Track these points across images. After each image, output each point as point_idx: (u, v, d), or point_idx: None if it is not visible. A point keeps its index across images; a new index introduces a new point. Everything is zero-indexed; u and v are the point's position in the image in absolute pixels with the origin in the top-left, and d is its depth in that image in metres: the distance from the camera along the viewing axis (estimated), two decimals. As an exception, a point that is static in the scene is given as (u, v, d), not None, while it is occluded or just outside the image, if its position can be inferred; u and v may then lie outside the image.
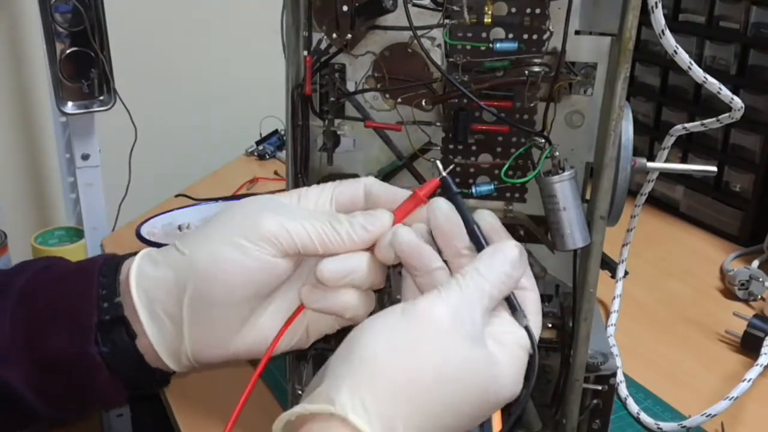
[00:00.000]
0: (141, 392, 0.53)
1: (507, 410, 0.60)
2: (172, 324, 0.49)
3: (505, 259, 0.47)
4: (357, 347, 0.42)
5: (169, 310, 0.49)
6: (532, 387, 0.45)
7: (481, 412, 0.43)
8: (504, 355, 0.44)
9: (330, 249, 0.49)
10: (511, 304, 0.48)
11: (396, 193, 0.52)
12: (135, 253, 0.52)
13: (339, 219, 0.50)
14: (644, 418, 0.74)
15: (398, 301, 0.64)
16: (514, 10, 0.56)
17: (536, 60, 0.56)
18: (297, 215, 0.50)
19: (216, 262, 0.48)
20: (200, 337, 0.49)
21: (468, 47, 0.57)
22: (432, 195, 0.51)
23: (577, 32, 0.56)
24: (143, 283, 0.49)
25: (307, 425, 0.39)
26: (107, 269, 0.51)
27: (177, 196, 1.19)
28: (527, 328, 0.46)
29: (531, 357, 0.46)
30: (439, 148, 0.60)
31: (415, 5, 0.56)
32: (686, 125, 0.74)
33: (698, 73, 0.59)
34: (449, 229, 0.49)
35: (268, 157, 1.40)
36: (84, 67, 0.88)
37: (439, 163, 0.52)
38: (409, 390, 0.40)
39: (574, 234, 0.55)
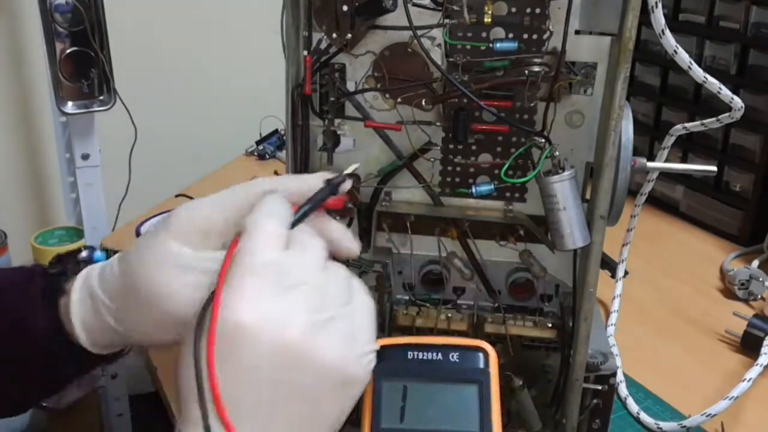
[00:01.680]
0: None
1: (508, 409, 0.60)
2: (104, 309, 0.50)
3: None
4: None
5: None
6: None
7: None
8: None
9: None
10: None
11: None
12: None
13: None
14: (644, 417, 0.74)
15: (399, 301, 0.64)
16: (514, 9, 0.56)
17: (536, 60, 0.56)
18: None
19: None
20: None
21: (468, 47, 0.57)
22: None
23: (577, 32, 0.56)
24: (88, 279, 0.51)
25: None
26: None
27: (177, 196, 1.19)
28: None
29: None
30: (439, 147, 0.60)
31: (415, 5, 0.56)
32: (686, 125, 0.74)
33: (698, 72, 0.59)
34: None
35: (268, 156, 1.40)
36: (84, 66, 0.88)
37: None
38: None
39: (574, 234, 0.55)
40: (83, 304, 0.51)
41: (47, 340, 0.51)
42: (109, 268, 0.51)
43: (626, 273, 0.91)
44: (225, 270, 0.42)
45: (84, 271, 0.52)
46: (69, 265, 0.53)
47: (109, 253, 0.56)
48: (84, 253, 0.56)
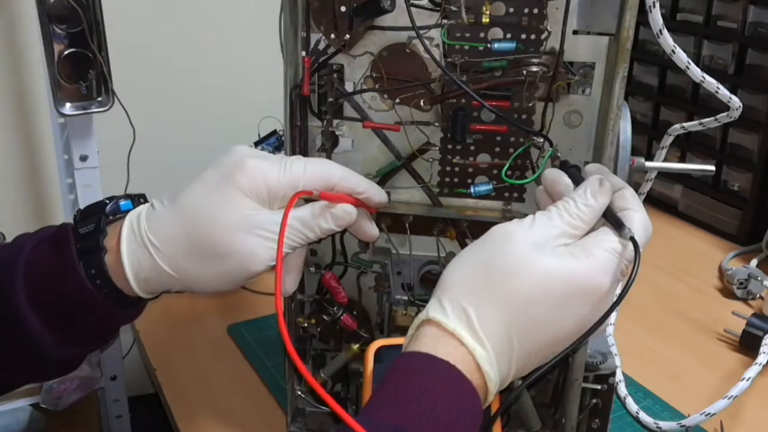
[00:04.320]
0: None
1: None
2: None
3: (585, 191, 0.49)
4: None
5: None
6: (632, 282, 0.47)
7: (563, 303, 0.45)
8: (580, 255, 0.46)
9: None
10: (610, 221, 0.48)
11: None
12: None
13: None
14: (643, 417, 0.74)
15: (398, 301, 0.64)
16: (512, 10, 0.56)
17: (534, 60, 0.56)
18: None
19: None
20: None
21: (466, 47, 0.57)
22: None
23: (575, 32, 0.56)
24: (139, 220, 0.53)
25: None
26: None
27: (176, 196, 1.19)
28: (633, 239, 0.47)
29: (635, 253, 0.47)
30: (437, 148, 0.60)
31: (413, 5, 0.56)
32: (684, 124, 0.74)
33: (696, 72, 0.59)
34: (553, 179, 0.52)
35: (266, 157, 1.39)
36: (82, 68, 0.88)
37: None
38: (473, 284, 0.46)
39: (572, 233, 0.55)
40: (135, 256, 0.52)
41: (91, 298, 0.52)
42: (159, 216, 0.52)
43: (625, 272, 0.91)
44: (283, 235, 0.50)
45: (126, 225, 0.52)
46: (100, 220, 0.53)
47: (134, 199, 0.56)
48: (109, 206, 0.55)
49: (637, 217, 0.48)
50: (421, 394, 0.43)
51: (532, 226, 0.47)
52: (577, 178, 0.51)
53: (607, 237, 0.47)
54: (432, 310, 0.47)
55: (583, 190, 0.49)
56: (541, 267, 0.45)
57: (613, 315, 0.89)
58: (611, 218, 0.48)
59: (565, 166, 0.53)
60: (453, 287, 0.47)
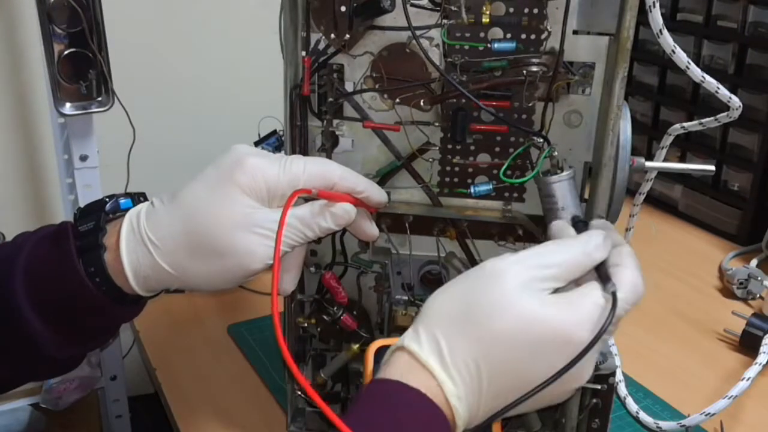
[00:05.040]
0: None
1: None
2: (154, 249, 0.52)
3: (588, 242, 0.48)
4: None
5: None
6: (602, 333, 0.45)
7: (538, 350, 0.45)
8: (563, 305, 0.46)
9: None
10: (600, 276, 0.48)
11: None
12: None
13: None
14: (643, 417, 0.74)
15: (398, 301, 0.64)
16: (512, 10, 0.56)
17: (534, 60, 0.56)
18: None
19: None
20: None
21: (466, 47, 0.57)
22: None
23: (575, 32, 0.56)
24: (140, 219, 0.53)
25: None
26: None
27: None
28: (614, 294, 0.46)
29: (612, 308, 0.46)
30: (437, 148, 0.60)
31: (413, 5, 0.56)
32: (684, 124, 0.74)
33: (696, 72, 0.59)
34: (558, 230, 0.52)
35: (266, 157, 1.39)
36: (82, 68, 0.88)
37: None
38: (452, 317, 0.46)
39: (572, 233, 0.55)
40: (134, 254, 0.52)
41: (90, 296, 0.52)
42: (159, 214, 0.52)
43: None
44: (281, 234, 0.50)
45: (126, 223, 0.53)
46: (99, 218, 0.54)
47: (134, 197, 0.56)
48: (109, 204, 0.55)
49: (627, 274, 0.48)
50: (390, 421, 0.43)
51: (522, 264, 0.46)
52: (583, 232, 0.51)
53: (593, 291, 0.47)
54: (407, 338, 0.46)
55: (587, 239, 0.48)
56: (521, 309, 0.45)
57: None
58: (601, 272, 0.48)
59: (574, 221, 0.53)
60: (432, 317, 0.47)
